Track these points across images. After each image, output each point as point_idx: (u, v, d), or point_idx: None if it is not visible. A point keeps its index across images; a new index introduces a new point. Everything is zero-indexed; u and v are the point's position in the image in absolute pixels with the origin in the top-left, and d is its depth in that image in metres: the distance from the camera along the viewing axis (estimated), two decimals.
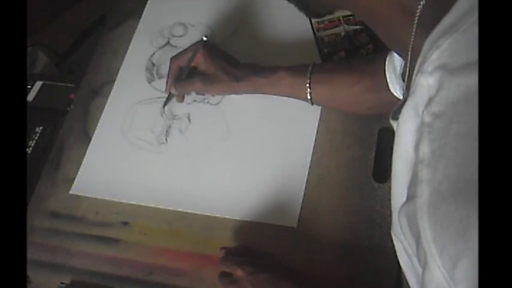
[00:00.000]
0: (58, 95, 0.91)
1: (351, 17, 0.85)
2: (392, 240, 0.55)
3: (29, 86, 0.92)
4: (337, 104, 0.78)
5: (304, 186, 0.75)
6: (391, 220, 0.53)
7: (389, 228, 0.61)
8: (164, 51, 0.92)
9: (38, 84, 0.92)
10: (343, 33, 0.85)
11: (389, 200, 0.51)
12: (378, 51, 0.82)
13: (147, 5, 0.97)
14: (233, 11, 0.94)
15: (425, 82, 0.41)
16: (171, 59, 0.83)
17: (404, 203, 0.42)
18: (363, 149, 0.76)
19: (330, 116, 0.80)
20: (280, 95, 0.79)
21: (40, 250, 0.77)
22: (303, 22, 0.88)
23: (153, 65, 0.91)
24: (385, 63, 0.68)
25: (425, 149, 0.40)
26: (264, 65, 0.80)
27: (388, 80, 0.68)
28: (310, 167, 0.76)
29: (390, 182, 0.72)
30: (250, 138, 0.80)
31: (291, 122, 0.80)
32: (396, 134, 0.47)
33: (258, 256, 0.69)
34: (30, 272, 0.75)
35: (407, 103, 0.44)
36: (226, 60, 0.81)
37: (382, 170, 0.74)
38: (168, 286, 0.72)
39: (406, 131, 0.44)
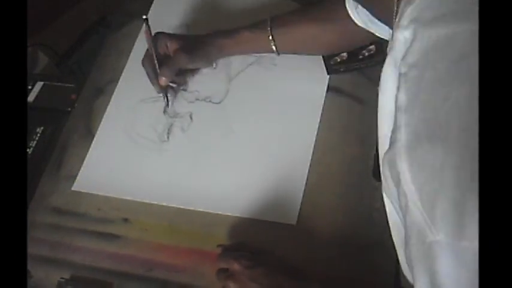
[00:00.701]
0: (59, 96, 0.91)
1: None
2: (391, 239, 0.55)
3: (29, 87, 0.92)
4: (302, 50, 0.82)
5: (304, 183, 0.75)
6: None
7: (389, 227, 0.62)
8: None
9: (39, 84, 0.93)
10: None
11: None
12: (380, 53, 0.82)
13: (152, 6, 0.98)
14: (236, 12, 0.94)
15: (402, 36, 0.44)
16: (142, 64, 0.84)
17: (386, 151, 0.44)
18: (363, 147, 0.76)
19: (331, 114, 0.80)
20: (247, 53, 0.84)
21: (41, 245, 0.77)
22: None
23: None
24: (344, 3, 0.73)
25: (402, 97, 0.42)
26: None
27: (349, 11, 0.73)
28: (310, 165, 0.76)
29: None
30: (251, 136, 0.81)
31: (291, 120, 0.80)
32: (379, 92, 0.49)
33: (255, 251, 0.69)
34: (31, 267, 0.75)
35: (387, 60, 0.47)
36: (190, 36, 0.86)
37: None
38: (168, 282, 0.72)
39: (387, 88, 0.47)
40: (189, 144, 0.82)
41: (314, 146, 0.78)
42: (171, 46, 0.83)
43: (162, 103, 0.86)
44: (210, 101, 0.85)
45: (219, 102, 0.85)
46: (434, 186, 0.37)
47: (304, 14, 0.81)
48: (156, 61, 0.82)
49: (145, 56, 0.85)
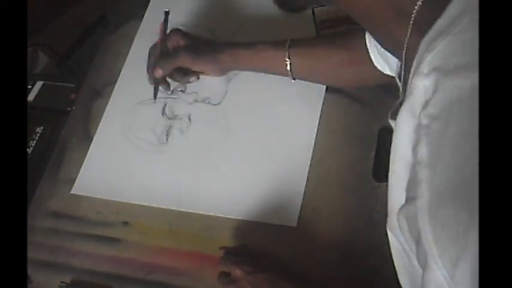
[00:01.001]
0: (58, 95, 0.91)
1: None
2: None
3: (29, 86, 0.92)
4: (318, 77, 0.79)
5: (304, 186, 0.75)
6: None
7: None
8: None
9: (39, 84, 0.93)
10: None
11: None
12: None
13: (149, 6, 0.98)
14: (235, 12, 0.94)
15: (422, 84, 0.41)
16: (149, 51, 0.84)
17: (404, 205, 0.43)
18: (363, 148, 0.76)
19: (330, 115, 0.80)
20: (260, 70, 0.81)
21: (41, 250, 0.77)
22: (305, 23, 0.88)
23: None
24: (365, 37, 0.69)
25: (423, 151, 0.40)
26: None
27: (370, 53, 0.69)
28: (310, 167, 0.76)
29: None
30: (251, 138, 0.80)
31: (291, 122, 0.80)
32: (394, 135, 0.47)
33: (257, 256, 0.69)
34: (31, 272, 0.75)
35: (404, 104, 0.44)
36: (205, 39, 0.84)
37: (382, 170, 0.74)
38: (168, 285, 0.72)
39: (403, 132, 0.45)
40: (188, 146, 0.82)
41: (313, 147, 0.77)
42: (181, 43, 0.82)
43: (160, 105, 0.86)
44: (208, 103, 0.85)
45: (218, 104, 0.85)
46: (457, 249, 0.36)
47: (324, 39, 0.79)
48: (160, 52, 0.82)
49: (154, 44, 0.84)
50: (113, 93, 0.89)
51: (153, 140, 0.83)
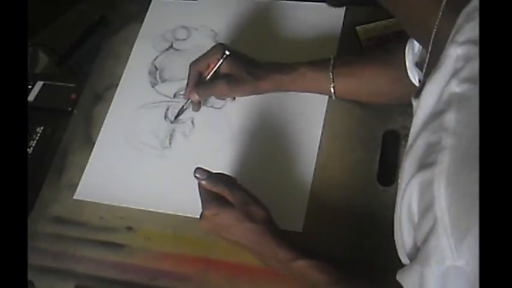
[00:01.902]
0: (59, 95, 0.90)
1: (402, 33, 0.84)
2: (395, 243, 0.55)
3: (29, 86, 0.91)
4: (361, 97, 0.78)
5: (309, 190, 0.75)
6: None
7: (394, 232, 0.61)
8: (167, 54, 0.92)
9: (39, 84, 0.92)
10: None
11: (394, 203, 0.51)
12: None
13: (149, 9, 0.97)
14: (237, 14, 0.93)
15: (455, 52, 0.42)
16: (191, 65, 0.81)
17: (419, 172, 0.43)
18: (367, 152, 0.76)
19: (334, 119, 0.80)
20: (302, 91, 0.79)
21: (44, 256, 0.77)
22: (306, 25, 0.88)
23: (156, 69, 0.90)
24: (404, 53, 0.68)
25: (451, 117, 0.41)
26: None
27: (407, 69, 0.68)
28: (314, 171, 0.76)
29: (395, 185, 0.72)
30: (254, 141, 0.80)
31: (295, 125, 0.80)
32: (417, 109, 0.47)
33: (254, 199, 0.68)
34: (34, 278, 0.75)
35: (434, 77, 0.44)
36: (246, 61, 0.81)
37: (386, 173, 0.74)
38: None
39: (427, 105, 0.45)
40: (191, 150, 0.81)
41: (318, 151, 0.77)
42: (224, 70, 0.80)
43: (163, 109, 0.86)
44: (211, 106, 0.85)
45: (221, 108, 0.84)
46: (469, 222, 0.37)
47: (369, 57, 0.77)
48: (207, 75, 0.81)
49: (199, 61, 0.81)
50: (115, 97, 0.89)
51: (156, 144, 0.83)
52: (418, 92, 0.50)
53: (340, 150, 0.77)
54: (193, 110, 0.83)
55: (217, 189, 0.68)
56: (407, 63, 0.68)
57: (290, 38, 0.89)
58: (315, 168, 0.76)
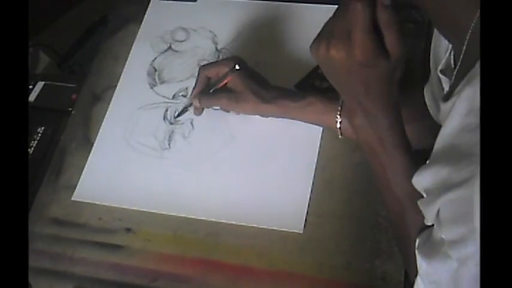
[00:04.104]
0: (60, 95, 0.90)
1: None
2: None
3: (30, 86, 0.91)
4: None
5: (309, 191, 0.74)
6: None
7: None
8: (166, 56, 0.91)
9: (40, 84, 0.92)
10: None
11: None
12: None
13: (148, 10, 0.97)
14: (235, 15, 0.93)
15: None
16: (200, 68, 0.80)
17: (452, 188, 0.43)
18: None
19: None
20: (308, 122, 0.77)
21: (42, 257, 0.76)
22: (305, 26, 0.88)
23: (155, 70, 0.90)
24: (423, 93, 0.67)
25: None
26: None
27: (429, 107, 0.67)
28: (315, 172, 0.76)
29: None
30: (254, 143, 0.80)
31: (295, 126, 0.79)
32: (452, 111, 0.46)
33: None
34: (32, 280, 0.74)
35: (472, 80, 0.43)
36: (256, 80, 0.78)
37: None
38: None
39: (459, 113, 0.44)
40: (190, 151, 0.81)
41: (318, 152, 0.77)
42: (232, 81, 0.78)
43: (161, 110, 0.85)
44: (211, 108, 0.84)
45: (220, 109, 0.84)
46: None
47: None
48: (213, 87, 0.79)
49: (209, 67, 0.80)
50: (113, 97, 0.88)
51: (155, 145, 0.82)
52: (447, 95, 0.49)
53: (340, 151, 0.77)
54: (194, 113, 0.82)
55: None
56: (427, 102, 0.66)
57: (289, 40, 0.90)
58: (315, 169, 0.76)
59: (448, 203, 0.45)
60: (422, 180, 0.49)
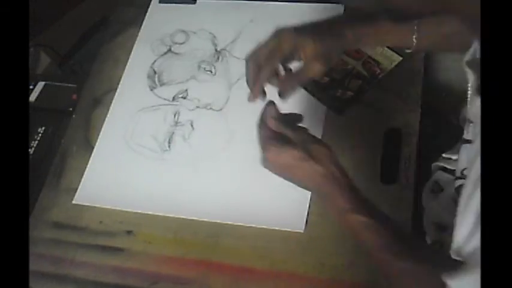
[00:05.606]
0: (60, 96, 0.91)
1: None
2: None
3: (31, 87, 0.92)
4: (446, 46, 0.72)
5: None
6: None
7: None
8: (165, 58, 0.91)
9: (40, 84, 0.92)
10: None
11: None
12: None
13: (147, 13, 0.97)
14: (235, 17, 0.93)
15: None
16: (247, 60, 0.71)
17: None
18: (369, 151, 0.75)
19: (335, 118, 0.79)
20: (381, 45, 0.78)
21: (43, 261, 0.76)
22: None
23: (155, 72, 0.90)
24: None
25: None
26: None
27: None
28: None
29: (397, 183, 0.71)
30: (254, 143, 0.79)
31: None
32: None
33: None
34: (34, 284, 0.73)
35: None
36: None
37: (389, 172, 0.73)
38: None
39: None
40: (191, 153, 0.81)
41: None
42: (304, 50, 0.67)
43: (162, 112, 0.85)
44: (210, 108, 0.84)
45: (220, 109, 0.84)
46: None
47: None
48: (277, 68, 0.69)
49: (254, 52, 0.70)
50: (114, 100, 0.88)
51: (156, 147, 0.82)
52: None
53: (341, 149, 0.76)
54: (249, 100, 0.71)
55: (278, 128, 0.62)
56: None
57: None
58: None
59: None
60: None
